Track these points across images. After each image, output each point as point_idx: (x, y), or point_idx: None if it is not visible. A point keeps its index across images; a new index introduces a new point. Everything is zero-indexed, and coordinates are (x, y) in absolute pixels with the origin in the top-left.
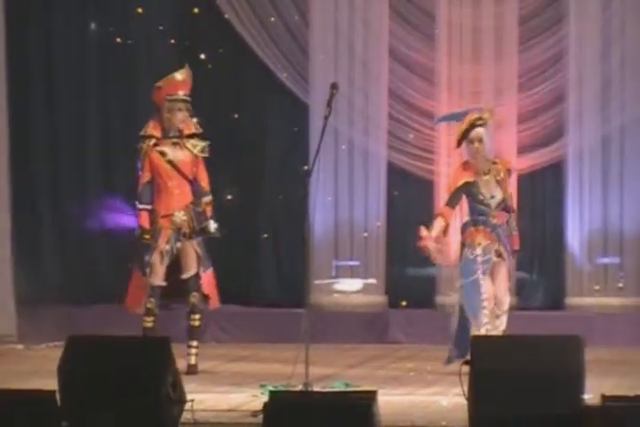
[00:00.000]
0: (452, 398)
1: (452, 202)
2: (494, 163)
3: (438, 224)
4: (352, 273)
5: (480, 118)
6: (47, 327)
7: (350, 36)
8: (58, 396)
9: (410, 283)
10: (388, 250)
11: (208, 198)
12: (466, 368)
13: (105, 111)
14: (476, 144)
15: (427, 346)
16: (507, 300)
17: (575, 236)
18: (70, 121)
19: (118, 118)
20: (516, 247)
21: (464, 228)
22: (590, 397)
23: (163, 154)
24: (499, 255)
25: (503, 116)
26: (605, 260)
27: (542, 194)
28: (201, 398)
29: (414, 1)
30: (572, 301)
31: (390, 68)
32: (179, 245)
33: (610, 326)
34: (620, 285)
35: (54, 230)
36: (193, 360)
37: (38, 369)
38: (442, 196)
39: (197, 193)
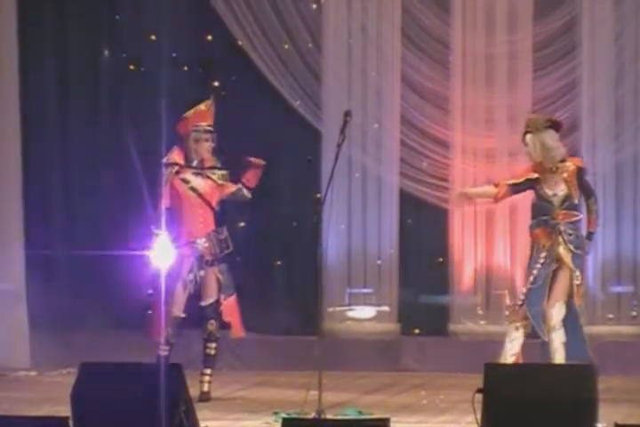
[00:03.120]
0: (464, 426)
1: (514, 186)
2: (562, 161)
3: (485, 186)
4: (365, 301)
5: (527, 125)
6: (60, 354)
7: (363, 63)
8: (71, 422)
9: (423, 311)
10: (401, 278)
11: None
12: (479, 396)
13: (118, 138)
14: (525, 149)
15: (439, 374)
16: (554, 313)
17: (588, 264)
18: (83, 147)
19: (131, 145)
20: (592, 229)
21: (530, 229)
22: (604, 425)
23: (185, 181)
24: (558, 260)
25: (517, 145)
26: (619, 288)
27: None
28: (214, 425)
29: (427, 29)
30: (585, 329)
31: (403, 95)
32: (202, 273)
33: (623, 354)
34: (634, 313)
35: (67, 258)
36: (206, 388)
37: (51, 396)
38: (456, 224)
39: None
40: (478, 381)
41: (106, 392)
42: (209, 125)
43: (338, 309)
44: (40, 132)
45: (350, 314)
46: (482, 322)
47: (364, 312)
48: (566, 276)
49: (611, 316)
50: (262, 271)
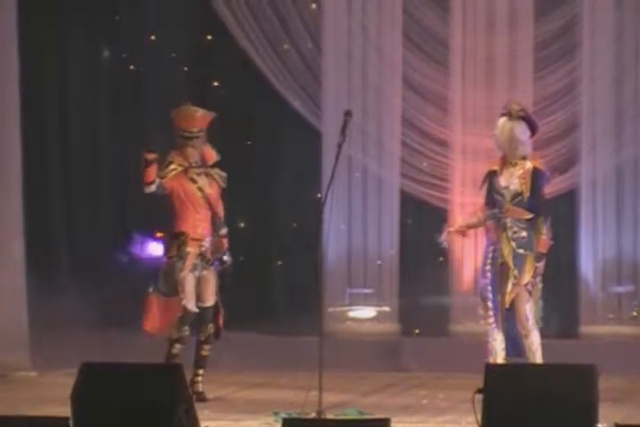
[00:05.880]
0: (465, 426)
1: (486, 197)
2: (524, 158)
3: (472, 217)
4: (365, 301)
5: (506, 108)
6: (60, 355)
7: (364, 63)
8: (71, 423)
9: (423, 311)
10: (402, 278)
11: (225, 230)
12: (479, 396)
13: (118, 139)
14: (494, 131)
15: (440, 374)
16: (527, 314)
17: (589, 264)
18: (83, 147)
19: (131, 146)
20: (543, 250)
21: (484, 221)
22: (604, 426)
23: (194, 181)
24: (501, 256)
25: None
26: (619, 288)
27: (556, 222)
28: (214, 425)
29: (428, 29)
30: (585, 329)
31: (404, 95)
32: (204, 273)
33: (624, 354)
34: (634, 313)
35: (68, 258)
36: (200, 388)
37: (52, 396)
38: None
39: (216, 224)
40: (478, 381)
41: (106, 393)
42: (191, 130)
43: (338, 309)
44: (40, 132)
45: (351, 314)
46: (482, 322)
47: (365, 313)
48: (509, 272)
49: (611, 316)
50: (262, 271)
